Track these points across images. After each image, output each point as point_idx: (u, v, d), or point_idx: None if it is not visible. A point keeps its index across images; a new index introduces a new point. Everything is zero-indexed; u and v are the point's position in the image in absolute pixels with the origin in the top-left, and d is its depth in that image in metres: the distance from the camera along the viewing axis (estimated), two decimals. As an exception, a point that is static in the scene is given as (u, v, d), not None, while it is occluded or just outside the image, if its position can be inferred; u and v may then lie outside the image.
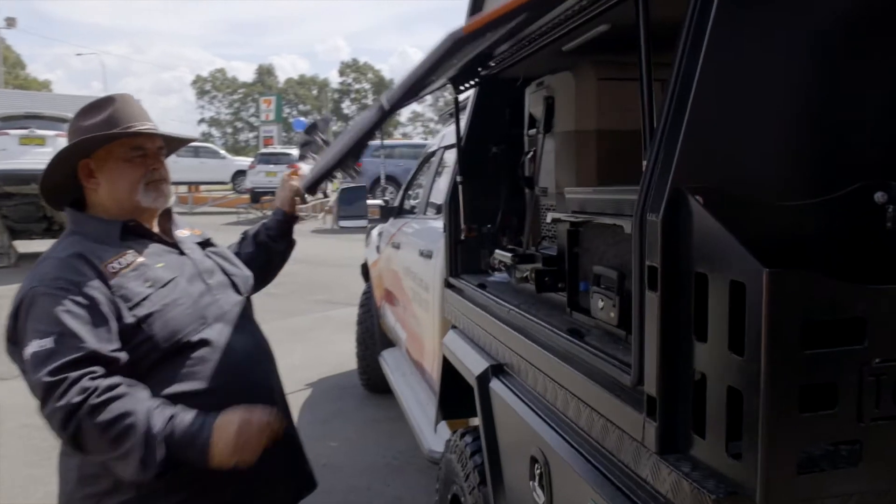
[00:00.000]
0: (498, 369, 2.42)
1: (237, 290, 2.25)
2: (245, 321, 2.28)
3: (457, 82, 3.05)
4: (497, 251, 2.57)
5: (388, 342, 5.72)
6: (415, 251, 4.07)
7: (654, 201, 1.37)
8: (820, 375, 1.14)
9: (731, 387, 1.19)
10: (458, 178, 3.13)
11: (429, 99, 58.74)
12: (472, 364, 2.57)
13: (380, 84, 56.67)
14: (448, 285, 3.28)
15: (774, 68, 1.37)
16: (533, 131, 2.49)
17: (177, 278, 2.11)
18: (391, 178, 19.33)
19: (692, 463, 1.31)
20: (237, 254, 2.56)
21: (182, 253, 2.22)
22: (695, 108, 1.34)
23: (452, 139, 4.32)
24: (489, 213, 3.23)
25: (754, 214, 1.33)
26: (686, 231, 1.30)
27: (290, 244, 2.70)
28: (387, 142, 21.57)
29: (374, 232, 6.06)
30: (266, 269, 2.64)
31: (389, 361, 5.41)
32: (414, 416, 4.16)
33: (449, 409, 3.27)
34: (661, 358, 1.35)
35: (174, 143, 2.31)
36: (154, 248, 2.16)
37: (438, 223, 3.94)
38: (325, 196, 22.10)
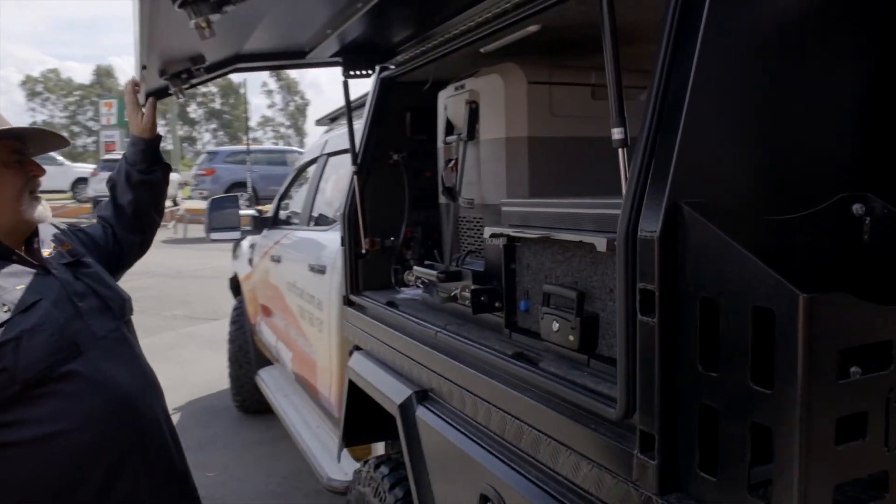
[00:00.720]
0: (423, 396, 2.23)
1: (114, 315, 1.99)
2: (124, 348, 1.99)
3: (348, 64, 2.84)
4: (416, 267, 2.39)
5: (265, 360, 5.37)
6: (302, 266, 3.80)
7: (646, 217, 1.24)
8: (855, 404, 1.05)
9: (756, 422, 1.08)
10: (357, 187, 2.91)
11: (279, 103, 57.21)
12: (391, 390, 2.37)
13: (227, 87, 54.48)
14: (348, 303, 3.05)
15: (765, 73, 1.29)
16: (452, 138, 2.33)
17: (41, 301, 1.80)
18: (245, 185, 18.62)
19: (698, 503, 1.20)
20: (117, 206, 2.28)
21: (48, 273, 1.89)
22: (690, 116, 1.22)
23: (337, 145, 4.09)
24: (392, 225, 3.04)
25: (748, 230, 1.24)
26: (688, 251, 1.18)
27: (166, 169, 2.39)
28: (240, 147, 20.70)
29: (245, 244, 5.68)
30: (156, 206, 2.38)
31: (268, 381, 5.07)
32: (304, 441, 3.88)
33: (353, 436, 3.04)
34: (661, 390, 1.23)
35: (37, 148, 1.97)
36: (13, 268, 1.84)
37: (326, 235, 3.69)
38: (175, 204, 20.90)
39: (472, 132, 2.19)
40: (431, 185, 3.09)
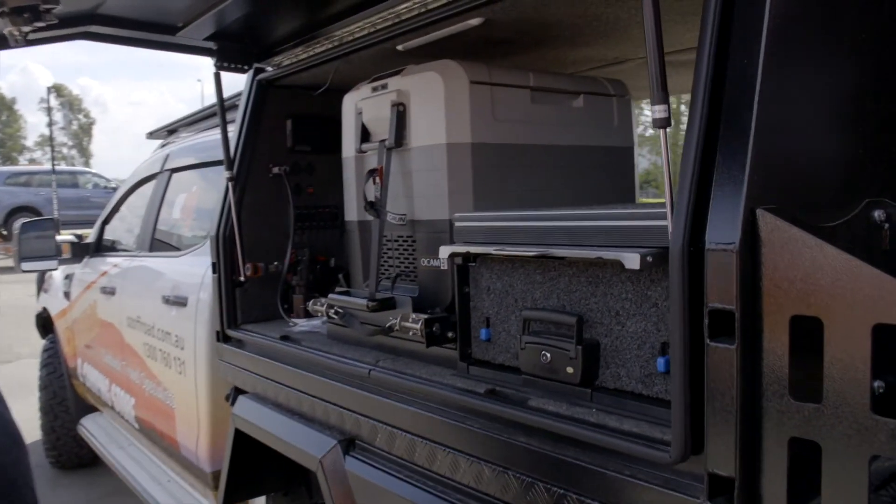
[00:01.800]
0: (349, 445, 1.92)
1: None
2: None
3: (223, 54, 2.45)
4: (333, 295, 2.07)
5: (89, 407, 4.65)
6: (150, 298, 3.27)
7: (715, 227, 1.07)
8: None
9: (875, 455, 0.93)
10: (234, 203, 2.53)
11: (60, 121, 52.36)
12: (306, 441, 2.03)
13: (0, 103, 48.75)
14: (224, 339, 2.63)
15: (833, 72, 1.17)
16: (370, 146, 2.04)
17: None
18: (28, 209, 16.65)
19: (791, 556, 1.03)
20: None
21: None
22: (763, 109, 1.07)
23: (184, 160, 3.60)
24: (273, 248, 2.68)
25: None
26: (774, 264, 1.02)
27: None
28: (22, 168, 18.50)
29: (57, 275, 4.91)
30: None
31: (96, 431, 4.37)
32: (151, 498, 3.33)
33: (234, 492, 2.62)
34: (742, 426, 1.05)
35: None
36: None
37: (183, 261, 3.20)
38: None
39: (399, 139, 1.93)
40: (318, 202, 2.78)
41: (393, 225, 1.95)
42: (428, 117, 1.87)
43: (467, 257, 1.69)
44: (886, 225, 1.28)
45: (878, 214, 1.27)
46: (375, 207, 1.95)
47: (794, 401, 1.02)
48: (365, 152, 2.09)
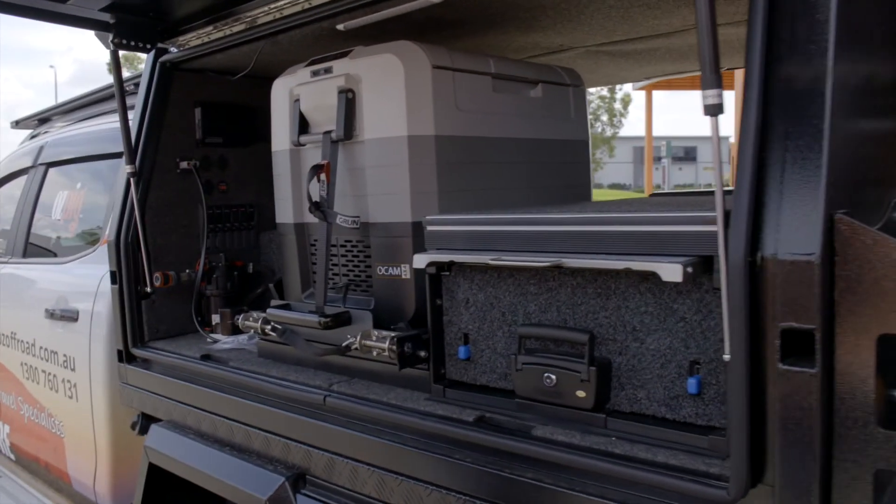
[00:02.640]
0: (300, 481, 1.68)
1: None
2: None
3: (120, 30, 2.11)
4: (272, 310, 1.80)
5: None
6: (29, 310, 2.84)
7: (787, 236, 0.93)
8: None
9: None
10: (136, 202, 2.20)
11: None
12: (246, 480, 1.76)
13: None
14: (127, 358, 2.30)
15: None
16: (310, 139, 1.79)
17: None
18: None
19: None
20: None
21: None
22: (835, 105, 0.94)
23: (62, 153, 3.16)
24: (185, 253, 2.36)
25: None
26: (860, 277, 0.90)
27: None
28: None
29: None
30: None
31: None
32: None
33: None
34: (822, 459, 0.93)
35: None
36: None
37: (71, 269, 2.79)
38: None
39: (349, 130, 1.69)
40: (232, 201, 2.48)
41: (343, 228, 1.72)
42: (384, 106, 1.65)
43: (441, 266, 1.49)
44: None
45: (900, 214, 1.19)
46: (322, 209, 1.71)
47: (881, 429, 0.90)
48: (303, 145, 1.84)
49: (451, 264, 1.47)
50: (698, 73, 1.01)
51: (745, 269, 0.96)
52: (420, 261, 1.45)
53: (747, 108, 0.99)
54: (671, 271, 1.07)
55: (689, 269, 1.07)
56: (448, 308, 1.51)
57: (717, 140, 0.99)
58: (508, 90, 1.85)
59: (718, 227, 1.00)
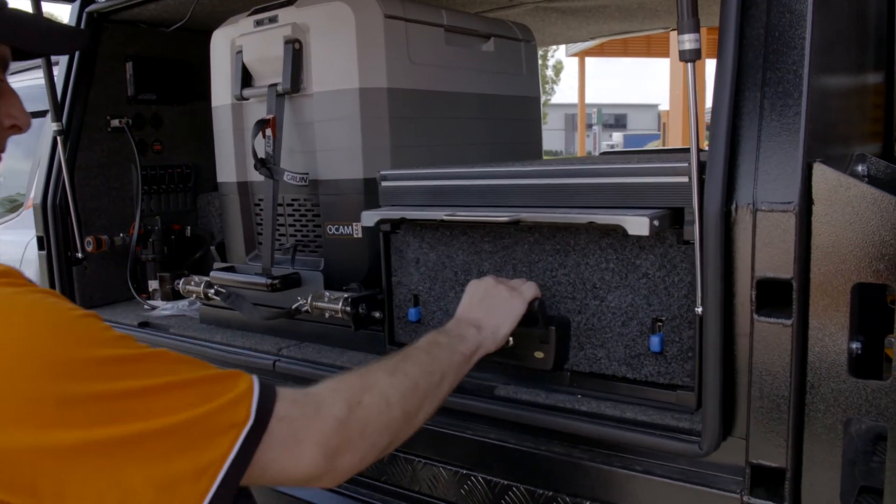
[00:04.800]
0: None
1: None
2: None
3: None
4: (215, 273, 1.72)
5: None
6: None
7: (765, 185, 0.92)
8: None
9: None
10: (64, 162, 2.06)
11: None
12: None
13: None
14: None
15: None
16: (254, 92, 1.70)
17: None
18: None
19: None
20: None
21: None
22: (814, 59, 0.92)
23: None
24: (119, 216, 2.24)
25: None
26: (837, 226, 0.89)
27: None
28: None
29: None
30: None
31: None
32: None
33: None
34: (795, 410, 0.93)
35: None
36: None
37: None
38: None
39: (296, 83, 1.61)
40: (167, 161, 2.36)
41: (290, 186, 1.64)
42: (334, 57, 1.57)
43: (396, 224, 1.44)
44: (866, 179, 1.21)
45: (861, 168, 1.20)
46: (268, 166, 1.62)
47: (853, 378, 0.90)
48: (246, 99, 1.74)
49: (402, 221, 1.41)
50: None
51: (721, 220, 0.94)
52: (368, 218, 1.39)
53: (723, 55, 0.96)
54: (637, 225, 1.04)
55: (656, 223, 1.05)
56: (397, 268, 1.46)
57: (694, 88, 0.96)
58: (461, 43, 1.79)
59: (692, 177, 0.98)
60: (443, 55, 1.73)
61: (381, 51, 1.56)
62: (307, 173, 1.62)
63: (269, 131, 1.63)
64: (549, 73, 33.13)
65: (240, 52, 1.73)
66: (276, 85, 1.63)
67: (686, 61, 0.96)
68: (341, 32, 1.55)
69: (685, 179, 1.03)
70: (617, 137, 24.95)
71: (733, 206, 0.94)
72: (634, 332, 1.18)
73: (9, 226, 2.50)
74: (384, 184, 1.45)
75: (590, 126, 25.14)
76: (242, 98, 1.74)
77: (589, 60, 19.26)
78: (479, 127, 1.86)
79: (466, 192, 1.33)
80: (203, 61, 1.88)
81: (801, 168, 0.89)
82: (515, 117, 1.97)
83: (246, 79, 1.74)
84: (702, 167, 0.97)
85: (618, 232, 1.11)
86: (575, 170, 1.19)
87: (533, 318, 1.19)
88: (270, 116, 1.64)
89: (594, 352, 1.23)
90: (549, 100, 34.53)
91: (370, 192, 1.52)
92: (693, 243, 1.00)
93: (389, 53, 1.57)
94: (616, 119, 41.22)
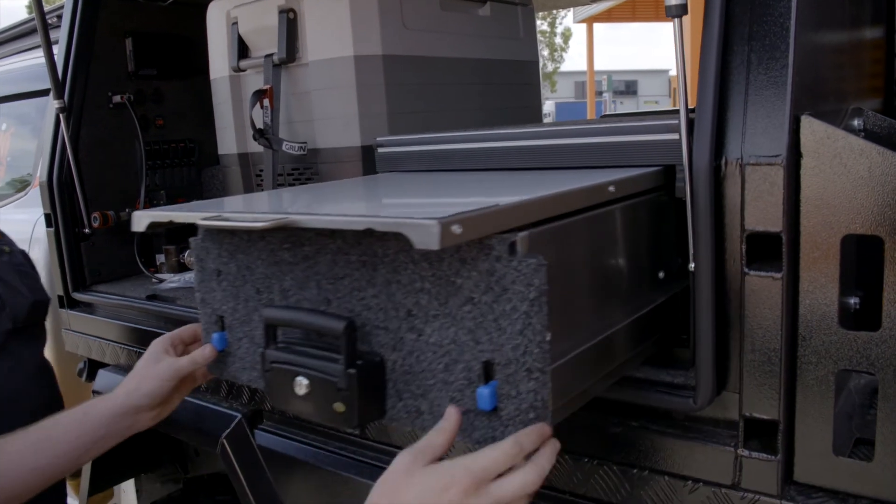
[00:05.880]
0: (256, 417, 1.66)
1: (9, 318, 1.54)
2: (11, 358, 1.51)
3: None
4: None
5: None
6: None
7: (752, 139, 0.92)
8: None
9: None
10: (69, 140, 2.08)
11: None
12: (197, 418, 1.73)
13: None
14: (69, 304, 2.21)
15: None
16: (250, 63, 1.70)
17: None
18: None
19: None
20: None
21: None
22: (802, 13, 0.91)
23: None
24: (124, 192, 2.26)
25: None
26: (826, 178, 0.89)
27: None
28: None
29: None
30: None
31: None
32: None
33: (97, 479, 2.26)
34: (786, 363, 0.93)
35: None
36: None
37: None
38: None
39: (291, 52, 1.61)
40: (169, 136, 2.37)
41: (289, 156, 1.65)
42: (328, 25, 1.57)
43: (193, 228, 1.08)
44: (862, 134, 1.21)
45: (857, 123, 1.19)
46: (266, 136, 1.63)
47: (843, 329, 0.91)
48: (244, 71, 1.75)
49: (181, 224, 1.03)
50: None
51: (711, 175, 0.94)
52: (140, 222, 1.02)
53: (710, 9, 0.96)
54: (423, 231, 0.69)
55: (456, 228, 0.70)
56: (199, 282, 1.12)
57: (681, 44, 0.95)
58: (457, 8, 1.78)
59: (682, 133, 0.98)
60: (438, 20, 1.72)
61: (374, 17, 1.56)
62: (305, 142, 1.63)
63: (266, 102, 1.64)
64: (559, 40, 32.79)
65: (235, 23, 1.73)
66: (271, 55, 1.64)
67: (672, 17, 0.95)
68: (335, 0, 1.54)
69: (676, 136, 1.02)
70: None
71: (722, 161, 0.94)
72: (461, 379, 0.84)
73: (18, 205, 2.53)
74: (380, 150, 1.46)
75: (600, 93, 24.90)
76: (240, 70, 1.75)
77: (598, 27, 19.03)
78: (476, 92, 1.85)
79: (462, 156, 1.33)
80: (202, 36, 1.88)
81: (788, 121, 0.89)
82: (514, 82, 1.96)
83: (242, 50, 1.74)
84: (691, 124, 0.97)
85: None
86: (569, 130, 1.19)
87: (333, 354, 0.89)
88: (267, 87, 1.64)
89: (415, 403, 0.89)
90: (559, 68, 34.20)
91: (368, 160, 1.53)
92: (684, 200, 1.00)
93: (384, 20, 1.57)
94: (627, 86, 40.81)
